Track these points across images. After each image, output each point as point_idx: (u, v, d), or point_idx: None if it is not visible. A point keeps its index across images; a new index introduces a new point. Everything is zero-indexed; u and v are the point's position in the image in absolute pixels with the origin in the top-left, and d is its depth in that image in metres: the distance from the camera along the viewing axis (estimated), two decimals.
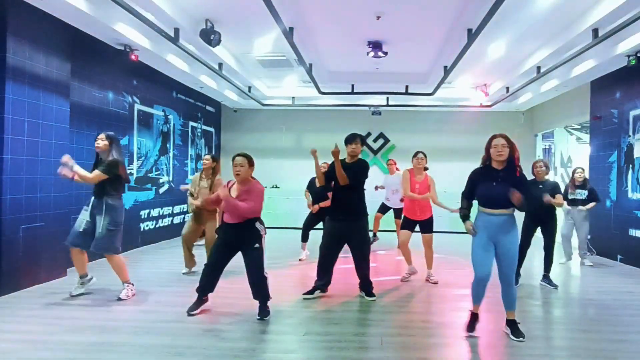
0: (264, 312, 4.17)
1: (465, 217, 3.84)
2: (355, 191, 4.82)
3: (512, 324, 3.76)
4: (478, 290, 3.78)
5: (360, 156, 4.95)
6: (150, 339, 3.58)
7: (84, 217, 4.57)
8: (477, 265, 3.71)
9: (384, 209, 8.35)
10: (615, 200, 7.48)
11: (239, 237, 4.13)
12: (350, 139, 4.88)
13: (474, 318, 3.85)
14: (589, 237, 7.96)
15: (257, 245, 4.12)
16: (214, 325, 3.93)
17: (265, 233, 4.26)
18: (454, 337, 3.80)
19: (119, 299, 4.57)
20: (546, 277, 5.57)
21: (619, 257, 7.30)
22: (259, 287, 4.18)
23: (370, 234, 8.38)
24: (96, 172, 4.50)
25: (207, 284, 4.25)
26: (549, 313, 4.67)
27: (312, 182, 7.09)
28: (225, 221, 4.18)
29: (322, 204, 6.65)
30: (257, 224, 4.16)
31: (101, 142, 4.57)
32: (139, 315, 4.17)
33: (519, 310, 4.38)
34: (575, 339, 3.82)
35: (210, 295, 4.40)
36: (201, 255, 6.24)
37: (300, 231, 7.14)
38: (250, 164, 4.19)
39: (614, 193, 7.52)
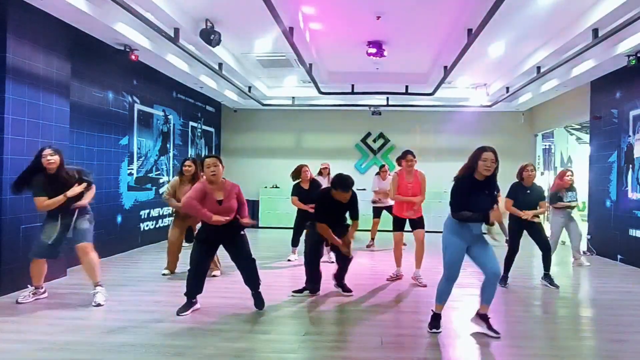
0: (259, 300, 4.32)
1: (483, 217, 3.57)
2: (342, 216, 4.99)
3: (486, 318, 3.83)
4: (446, 289, 3.83)
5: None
6: (150, 339, 3.58)
7: (53, 229, 4.38)
8: (453, 266, 3.75)
9: (378, 212, 8.44)
10: (615, 200, 7.47)
11: (226, 233, 4.23)
12: (344, 187, 4.65)
13: (437, 318, 3.88)
14: (588, 236, 7.97)
15: (242, 232, 4.34)
16: (214, 325, 3.93)
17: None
18: (454, 337, 3.80)
19: (98, 305, 4.35)
20: (547, 277, 5.50)
21: (619, 257, 7.30)
22: (251, 272, 4.33)
23: (369, 239, 8.54)
24: (92, 188, 4.54)
25: (195, 286, 4.27)
26: (549, 313, 4.67)
27: (298, 188, 6.90)
28: (213, 223, 4.13)
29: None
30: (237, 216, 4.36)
31: (51, 157, 4.26)
32: (139, 315, 4.16)
33: (519, 310, 4.41)
34: (575, 339, 3.82)
35: (210, 294, 4.43)
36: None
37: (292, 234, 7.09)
38: (222, 164, 4.27)
39: (614, 193, 7.52)
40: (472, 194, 3.64)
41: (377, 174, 8.73)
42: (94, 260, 4.49)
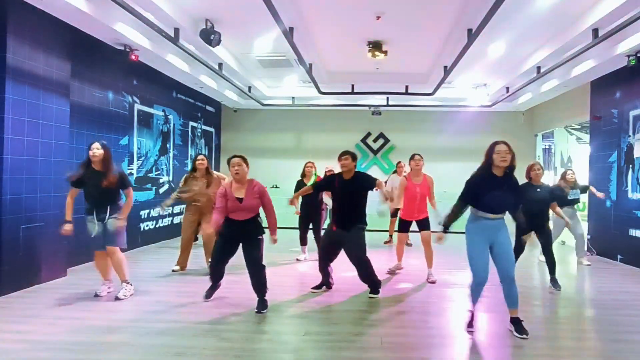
0: (262, 304, 4.30)
1: (446, 227, 3.85)
2: (354, 202, 4.87)
3: (516, 322, 3.80)
4: (478, 292, 3.87)
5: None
6: (150, 339, 3.58)
7: (92, 225, 4.63)
8: (478, 269, 3.77)
9: (395, 212, 8.43)
10: (615, 200, 7.47)
11: (245, 230, 4.30)
12: (341, 154, 4.94)
13: (474, 317, 3.94)
14: (588, 237, 7.97)
15: (260, 237, 4.35)
16: (214, 325, 3.93)
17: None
18: (454, 337, 3.80)
19: (117, 298, 4.59)
20: (552, 279, 5.46)
21: (619, 257, 7.30)
22: (258, 277, 4.34)
23: (387, 236, 8.72)
24: (130, 194, 4.69)
25: (215, 275, 4.57)
26: (550, 313, 4.66)
27: (299, 184, 7.06)
28: (233, 218, 4.29)
29: (301, 192, 6.02)
30: (259, 218, 4.40)
31: (97, 151, 4.53)
32: (139, 315, 4.17)
33: (520, 310, 4.38)
34: (575, 339, 3.82)
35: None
36: (197, 256, 6.26)
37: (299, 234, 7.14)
38: (246, 163, 4.35)
39: (614, 193, 7.51)
40: (487, 189, 3.67)
41: (394, 172, 8.86)
42: (120, 261, 4.72)
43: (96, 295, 4.71)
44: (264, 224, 4.38)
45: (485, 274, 3.75)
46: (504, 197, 3.67)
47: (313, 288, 5.08)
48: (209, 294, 4.63)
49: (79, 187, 4.59)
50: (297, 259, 7.01)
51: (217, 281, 4.63)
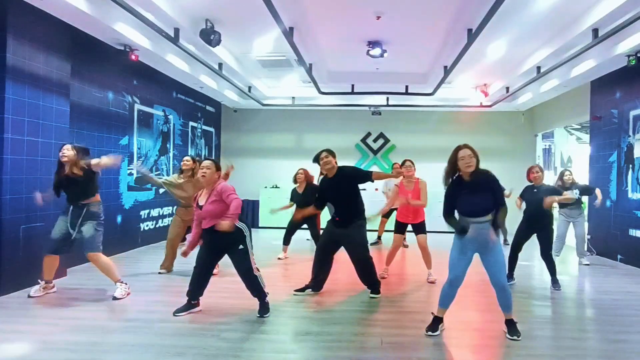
0: (263, 309, 4.21)
1: (463, 230, 3.62)
2: (346, 199, 4.82)
3: (509, 323, 3.76)
4: (449, 293, 3.77)
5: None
6: (150, 339, 3.58)
7: (62, 226, 4.61)
8: (453, 267, 3.73)
9: (387, 212, 8.43)
10: (615, 200, 7.47)
11: (222, 239, 4.04)
12: (314, 158, 4.90)
13: (436, 321, 3.82)
14: (588, 237, 7.97)
15: (241, 246, 4.08)
16: (214, 325, 3.93)
17: (249, 232, 4.20)
18: (454, 337, 3.80)
19: (115, 298, 4.57)
20: (553, 280, 5.46)
21: (619, 257, 7.30)
22: (252, 287, 4.21)
23: (375, 237, 8.65)
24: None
25: (196, 287, 4.24)
26: (549, 313, 4.66)
27: (293, 192, 7.29)
28: (204, 228, 4.11)
29: (306, 212, 5.95)
30: (238, 222, 4.08)
31: (67, 152, 4.51)
32: (139, 315, 4.16)
33: (520, 310, 4.39)
34: (575, 339, 3.82)
35: (210, 294, 4.42)
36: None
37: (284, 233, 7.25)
38: (217, 168, 4.15)
39: (614, 193, 7.51)
40: (460, 195, 3.65)
41: None
42: (106, 264, 4.70)
43: (29, 296, 4.58)
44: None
45: (458, 272, 3.69)
46: (478, 199, 3.61)
47: (296, 291, 4.97)
48: (182, 309, 4.19)
49: (59, 193, 4.65)
50: (279, 258, 7.07)
51: (195, 296, 4.25)
